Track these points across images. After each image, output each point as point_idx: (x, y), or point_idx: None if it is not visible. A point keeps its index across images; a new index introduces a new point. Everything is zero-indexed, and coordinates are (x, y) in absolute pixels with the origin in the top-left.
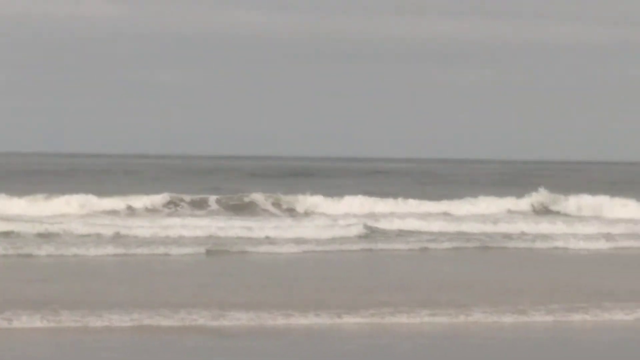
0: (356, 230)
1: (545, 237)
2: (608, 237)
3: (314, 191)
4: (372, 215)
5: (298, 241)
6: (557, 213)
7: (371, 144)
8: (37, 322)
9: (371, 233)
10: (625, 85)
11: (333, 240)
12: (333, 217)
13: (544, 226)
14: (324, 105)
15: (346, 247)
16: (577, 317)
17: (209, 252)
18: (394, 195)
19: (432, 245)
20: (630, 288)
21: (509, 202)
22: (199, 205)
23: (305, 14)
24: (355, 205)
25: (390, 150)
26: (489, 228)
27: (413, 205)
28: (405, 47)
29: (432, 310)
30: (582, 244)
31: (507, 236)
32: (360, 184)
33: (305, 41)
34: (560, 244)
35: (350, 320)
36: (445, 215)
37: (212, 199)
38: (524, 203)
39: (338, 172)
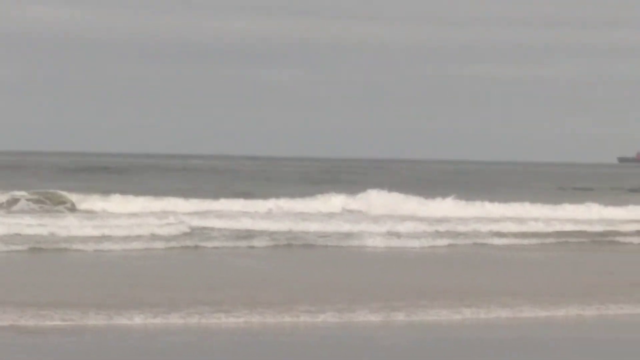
0: (174, 228)
1: (354, 235)
2: (416, 235)
3: (127, 188)
4: (191, 214)
5: (114, 239)
6: (360, 212)
7: (181, 141)
8: None
9: (190, 231)
10: (434, 85)
11: (151, 238)
12: (147, 215)
13: (354, 225)
14: (135, 103)
15: (165, 245)
16: (400, 317)
17: (22, 251)
18: (206, 192)
19: (245, 243)
20: (445, 286)
21: (320, 201)
22: (5, 202)
23: (111, 12)
24: (172, 203)
25: (198, 148)
26: (300, 226)
27: (226, 203)
28: (218, 46)
29: (253, 309)
30: (394, 242)
31: (320, 234)
32: (171, 182)
33: (115, 39)
34: (370, 242)
35: (169, 319)
36: (259, 213)
37: (20, 195)
38: (335, 201)
39: (147, 169)
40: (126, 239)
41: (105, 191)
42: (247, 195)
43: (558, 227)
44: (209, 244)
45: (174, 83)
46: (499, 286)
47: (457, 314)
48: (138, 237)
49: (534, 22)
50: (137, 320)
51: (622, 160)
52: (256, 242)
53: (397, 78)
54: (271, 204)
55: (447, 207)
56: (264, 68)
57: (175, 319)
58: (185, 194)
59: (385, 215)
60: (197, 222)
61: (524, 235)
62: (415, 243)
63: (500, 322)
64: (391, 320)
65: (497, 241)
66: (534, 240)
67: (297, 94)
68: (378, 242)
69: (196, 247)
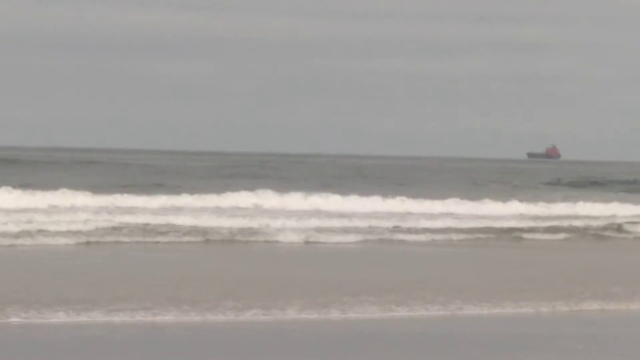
0: (87, 224)
1: (269, 231)
2: (331, 230)
3: (31, 182)
4: (101, 209)
5: (23, 235)
6: (274, 208)
7: (87, 135)
8: None
9: (105, 227)
10: (341, 80)
11: (62, 233)
12: (55, 211)
13: (269, 220)
14: (41, 95)
15: (80, 240)
16: (334, 314)
17: None
18: (114, 187)
19: (161, 239)
20: (368, 281)
21: (235, 196)
22: None
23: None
24: (81, 198)
25: (103, 142)
26: (216, 222)
27: (137, 199)
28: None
29: (177, 306)
30: (310, 238)
31: (236, 230)
32: (78, 176)
33: (15, 30)
34: (285, 237)
35: (93, 317)
36: (174, 207)
37: None
38: (250, 196)
39: (53, 163)
40: (35, 234)
41: (8, 185)
42: (159, 189)
43: (470, 224)
44: (124, 239)
45: (81, 76)
46: (420, 282)
47: (388, 310)
48: (50, 233)
49: (441, 17)
50: (61, 317)
51: (531, 155)
52: (173, 238)
53: (302, 73)
54: (186, 198)
55: (360, 203)
56: (168, 62)
57: (99, 316)
58: (95, 189)
59: (299, 211)
60: (109, 217)
61: (436, 231)
62: (332, 238)
63: (434, 318)
64: (323, 319)
65: (409, 237)
66: (447, 236)
67: (205, 88)
68: (293, 238)
69: (115, 242)
